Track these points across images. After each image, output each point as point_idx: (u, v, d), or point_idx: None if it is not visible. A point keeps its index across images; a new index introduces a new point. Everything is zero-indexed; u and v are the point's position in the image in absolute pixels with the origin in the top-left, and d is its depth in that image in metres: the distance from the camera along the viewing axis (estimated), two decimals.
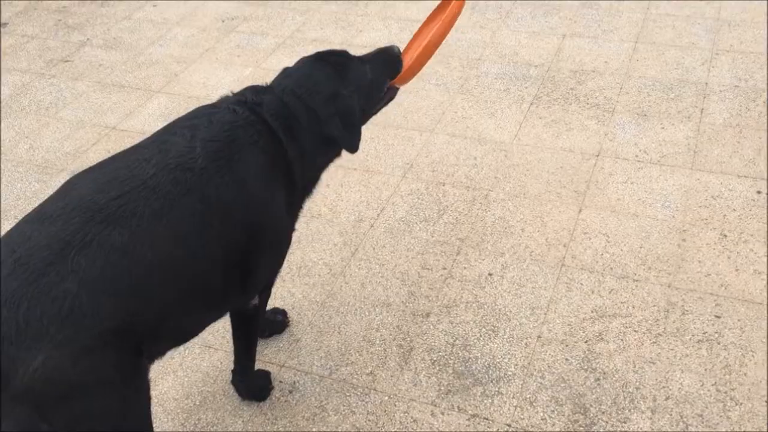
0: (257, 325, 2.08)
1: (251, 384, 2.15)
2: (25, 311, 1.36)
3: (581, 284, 2.41)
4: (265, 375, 2.19)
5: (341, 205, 2.83)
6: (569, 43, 3.72)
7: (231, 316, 2.01)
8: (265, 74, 3.29)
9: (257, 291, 1.92)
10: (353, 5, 4.32)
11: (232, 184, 1.66)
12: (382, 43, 3.74)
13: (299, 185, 1.89)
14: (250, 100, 1.83)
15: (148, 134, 1.79)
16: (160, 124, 1.86)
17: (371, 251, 2.61)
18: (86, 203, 1.51)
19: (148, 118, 3.43)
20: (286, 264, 2.04)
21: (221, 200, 1.64)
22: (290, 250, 2.01)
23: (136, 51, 4.04)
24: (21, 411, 1.39)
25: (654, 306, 2.31)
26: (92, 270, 1.43)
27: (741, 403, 2.01)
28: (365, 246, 2.64)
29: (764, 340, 2.16)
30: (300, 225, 2.65)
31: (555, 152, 3.00)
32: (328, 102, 1.86)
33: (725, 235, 2.53)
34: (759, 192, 2.69)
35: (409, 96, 3.41)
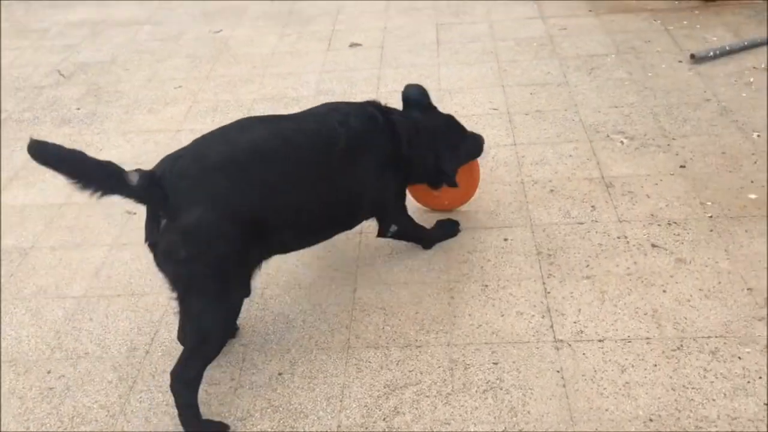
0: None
1: None
2: (197, 183, 2.17)
3: (370, 362, 2.45)
4: None
5: (110, 338, 2.64)
6: None
7: None
8: None
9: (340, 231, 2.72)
10: (87, 125, 4.15)
11: (354, 166, 2.50)
12: (128, 159, 3.64)
13: (404, 183, 2.81)
14: (385, 115, 2.64)
15: None
16: None
17: (151, 380, 2.45)
18: (255, 139, 2.34)
19: None
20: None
21: (346, 172, 2.48)
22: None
23: None
24: (172, 238, 2.13)
25: (439, 367, 2.41)
26: (246, 176, 2.23)
27: None
28: (143, 376, 2.47)
29: (538, 375, 2.34)
30: (66, 368, 2.48)
31: None
32: (452, 147, 2.82)
33: (486, 285, 2.73)
34: (506, 239, 2.95)
35: None
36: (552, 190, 3.21)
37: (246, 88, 4.39)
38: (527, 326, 2.53)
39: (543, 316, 2.56)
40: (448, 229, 3.01)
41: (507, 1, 5.27)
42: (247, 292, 2.35)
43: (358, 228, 3.09)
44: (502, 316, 2.58)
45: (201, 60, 4.83)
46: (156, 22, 5.55)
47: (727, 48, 4.20)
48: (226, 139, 2.35)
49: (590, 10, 4.96)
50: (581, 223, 2.99)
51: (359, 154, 2.51)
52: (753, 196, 3.04)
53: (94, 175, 2.08)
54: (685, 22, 4.66)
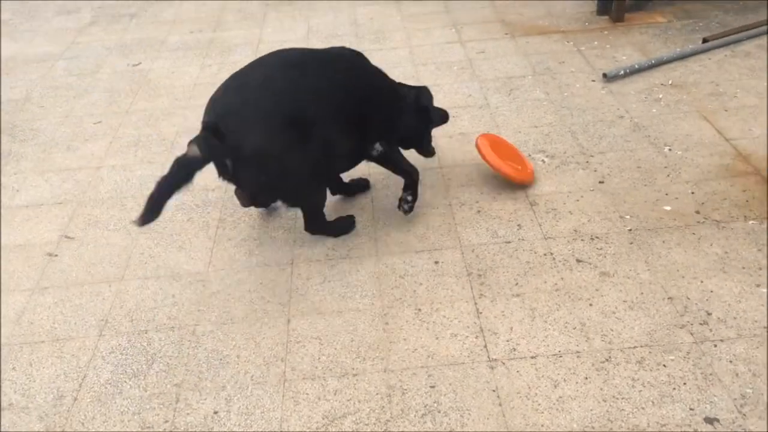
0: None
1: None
2: (244, 114, 2.62)
3: (307, 394, 2.44)
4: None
5: (35, 387, 2.54)
6: None
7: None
8: None
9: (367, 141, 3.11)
10: (2, 165, 4.00)
11: (363, 88, 3.00)
12: (47, 200, 3.53)
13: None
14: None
15: None
16: None
17: (80, 428, 2.37)
18: (287, 63, 2.83)
19: None
20: None
21: (357, 89, 2.96)
22: None
23: None
24: (247, 174, 2.69)
25: (377, 394, 2.41)
26: (285, 87, 2.71)
27: None
28: (72, 424, 2.38)
29: (474, 396, 2.37)
30: None
31: (251, 270, 3.04)
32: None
33: (420, 309, 2.75)
34: (436, 262, 2.99)
35: (87, 248, 3.22)
36: (479, 211, 3.27)
37: (168, 121, 4.32)
38: (462, 347, 2.56)
39: (476, 337, 2.60)
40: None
41: (426, 26, 5.38)
42: (325, 170, 3.01)
43: (288, 258, 3.08)
44: (437, 338, 2.61)
45: (120, 94, 4.73)
46: (71, 57, 5.42)
47: (636, 66, 4.39)
48: (261, 62, 2.89)
49: (506, 33, 5.11)
50: (509, 242, 3.06)
51: (369, 76, 3.10)
52: (668, 208, 3.18)
53: (179, 183, 2.59)
54: (595, 43, 4.86)
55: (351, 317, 2.75)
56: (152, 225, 3.33)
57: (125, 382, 2.54)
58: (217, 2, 6.31)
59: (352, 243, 3.15)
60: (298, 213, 3.37)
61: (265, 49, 5.17)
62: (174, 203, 3.51)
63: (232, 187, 3.63)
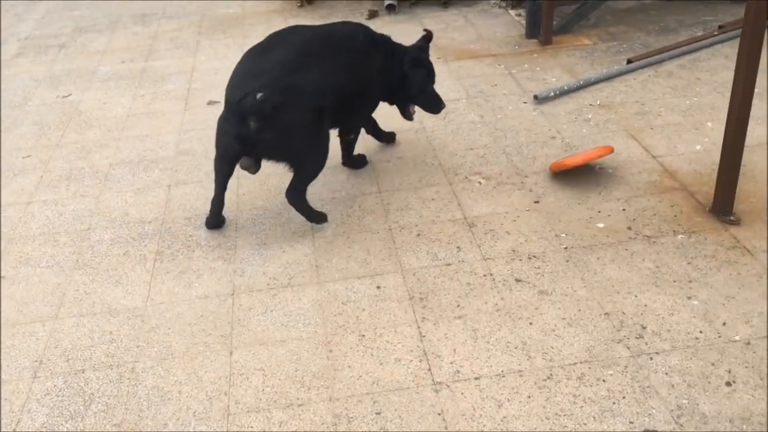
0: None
1: None
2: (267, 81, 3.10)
3: (251, 427, 2.40)
4: None
5: None
6: (176, 192, 3.78)
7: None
8: None
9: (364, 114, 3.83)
10: None
11: (367, 62, 3.50)
12: None
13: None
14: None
15: None
16: None
17: None
18: (301, 44, 3.31)
19: None
20: None
21: (360, 64, 3.45)
22: None
23: None
24: (267, 134, 3.12)
25: (323, 424, 2.39)
26: (300, 69, 3.17)
27: None
28: None
29: (420, 420, 2.38)
30: None
31: (191, 303, 2.99)
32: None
33: (363, 335, 2.76)
34: (378, 287, 3.00)
35: (19, 287, 3.12)
36: (419, 234, 3.31)
37: (101, 153, 4.24)
38: (406, 372, 2.57)
39: (420, 360, 2.61)
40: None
41: None
42: (328, 138, 3.43)
43: (229, 289, 3.05)
44: (381, 364, 2.61)
45: (50, 127, 4.61)
46: None
47: (566, 88, 4.53)
48: (279, 39, 3.37)
49: (439, 57, 5.19)
50: (449, 265, 3.10)
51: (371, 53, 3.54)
52: (601, 225, 3.27)
53: (233, 162, 3.31)
54: (526, 66, 4.99)
55: (294, 346, 2.73)
56: (86, 260, 3.29)
57: (62, 425, 2.46)
58: (148, 31, 6.24)
59: (293, 271, 3.13)
60: (237, 241, 3.34)
61: (199, 78, 5.16)
62: (109, 237, 3.44)
63: (170, 217, 3.59)
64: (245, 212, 3.57)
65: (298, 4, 6.50)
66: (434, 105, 3.81)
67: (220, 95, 4.99)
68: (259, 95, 2.99)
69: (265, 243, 3.34)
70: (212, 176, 3.41)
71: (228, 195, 3.46)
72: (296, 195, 3.34)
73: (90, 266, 3.25)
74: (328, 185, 3.73)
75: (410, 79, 3.69)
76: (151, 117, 4.62)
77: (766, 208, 3.27)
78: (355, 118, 3.70)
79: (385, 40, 3.65)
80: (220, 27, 6.20)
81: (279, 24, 5.97)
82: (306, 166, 3.33)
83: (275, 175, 3.86)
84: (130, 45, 5.96)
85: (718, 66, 4.71)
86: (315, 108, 3.20)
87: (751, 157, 3.61)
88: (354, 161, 3.90)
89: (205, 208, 3.60)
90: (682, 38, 5.14)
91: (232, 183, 3.46)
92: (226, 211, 3.51)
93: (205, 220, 3.48)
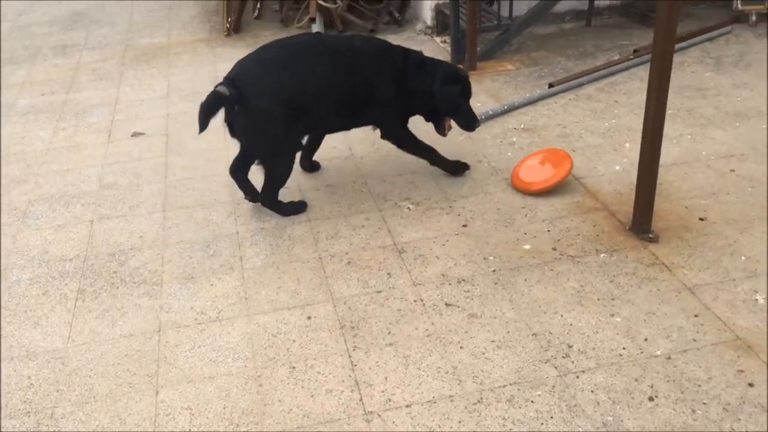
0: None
1: None
2: (260, 81, 3.39)
3: None
4: None
5: None
6: (99, 227, 3.68)
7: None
8: None
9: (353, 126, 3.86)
10: None
11: (369, 72, 3.60)
12: None
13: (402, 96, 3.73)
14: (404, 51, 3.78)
15: None
16: None
17: None
18: (297, 49, 3.55)
19: None
20: None
21: (364, 74, 3.58)
22: None
23: None
24: (244, 119, 3.40)
25: None
26: (292, 75, 3.41)
27: None
28: None
29: None
30: None
31: (115, 342, 2.90)
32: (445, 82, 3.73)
33: (294, 367, 2.72)
34: (309, 317, 2.97)
35: None
36: (349, 262, 3.30)
37: (19, 189, 4.09)
38: (338, 403, 2.54)
39: (352, 390, 2.59)
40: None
41: None
42: (299, 148, 3.69)
43: (155, 326, 2.97)
44: (312, 396, 2.58)
45: None
46: None
47: (491, 112, 4.62)
48: (279, 45, 3.60)
49: None
50: (379, 292, 3.10)
51: (372, 63, 3.61)
52: (527, 247, 3.33)
53: (212, 111, 3.30)
54: None
55: (223, 382, 2.67)
56: (3, 302, 3.15)
57: None
58: (70, 63, 6.10)
59: (221, 305, 3.08)
60: (164, 276, 3.26)
61: (122, 109, 5.06)
62: (27, 277, 3.32)
63: (92, 253, 3.49)
64: (172, 246, 3.50)
65: (225, 34, 6.47)
66: (470, 122, 3.83)
67: (144, 126, 4.92)
68: (219, 87, 3.32)
69: (193, 276, 3.27)
70: (137, 210, 3.33)
71: (154, 229, 3.38)
72: (267, 199, 3.65)
73: (7, 308, 3.12)
74: (256, 215, 3.70)
75: (442, 95, 3.69)
76: (72, 150, 4.50)
77: (681, 225, 3.39)
78: (356, 124, 3.81)
79: (400, 50, 3.73)
80: (144, 57, 6.11)
81: (205, 53, 5.92)
82: (269, 167, 3.57)
83: (202, 207, 3.80)
84: (50, 77, 5.81)
85: (634, 88, 4.89)
86: (286, 103, 3.38)
87: (667, 176, 3.74)
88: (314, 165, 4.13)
89: (130, 242, 3.52)
90: (600, 62, 5.32)
91: (158, 217, 3.39)
92: (152, 246, 3.43)
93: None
